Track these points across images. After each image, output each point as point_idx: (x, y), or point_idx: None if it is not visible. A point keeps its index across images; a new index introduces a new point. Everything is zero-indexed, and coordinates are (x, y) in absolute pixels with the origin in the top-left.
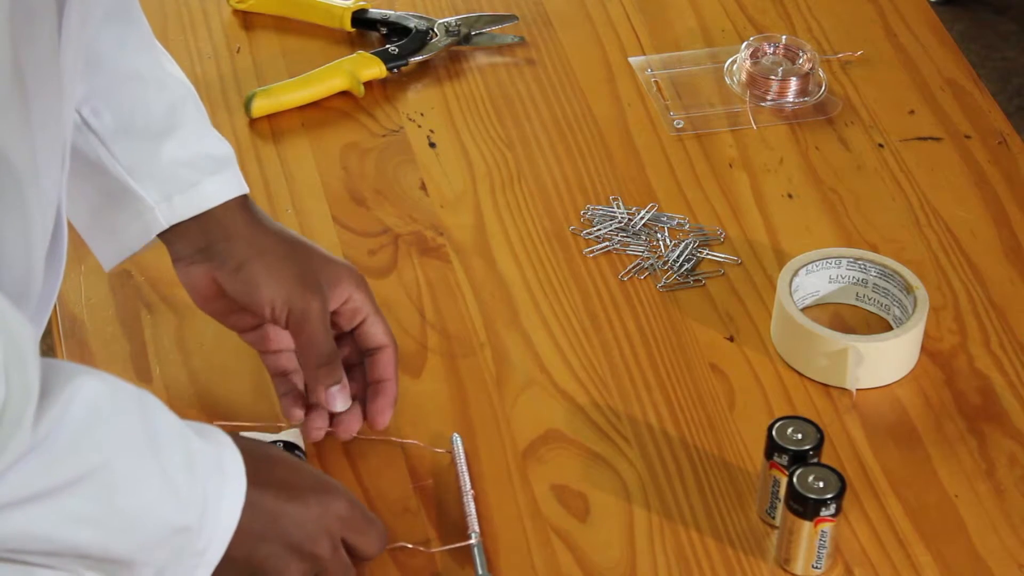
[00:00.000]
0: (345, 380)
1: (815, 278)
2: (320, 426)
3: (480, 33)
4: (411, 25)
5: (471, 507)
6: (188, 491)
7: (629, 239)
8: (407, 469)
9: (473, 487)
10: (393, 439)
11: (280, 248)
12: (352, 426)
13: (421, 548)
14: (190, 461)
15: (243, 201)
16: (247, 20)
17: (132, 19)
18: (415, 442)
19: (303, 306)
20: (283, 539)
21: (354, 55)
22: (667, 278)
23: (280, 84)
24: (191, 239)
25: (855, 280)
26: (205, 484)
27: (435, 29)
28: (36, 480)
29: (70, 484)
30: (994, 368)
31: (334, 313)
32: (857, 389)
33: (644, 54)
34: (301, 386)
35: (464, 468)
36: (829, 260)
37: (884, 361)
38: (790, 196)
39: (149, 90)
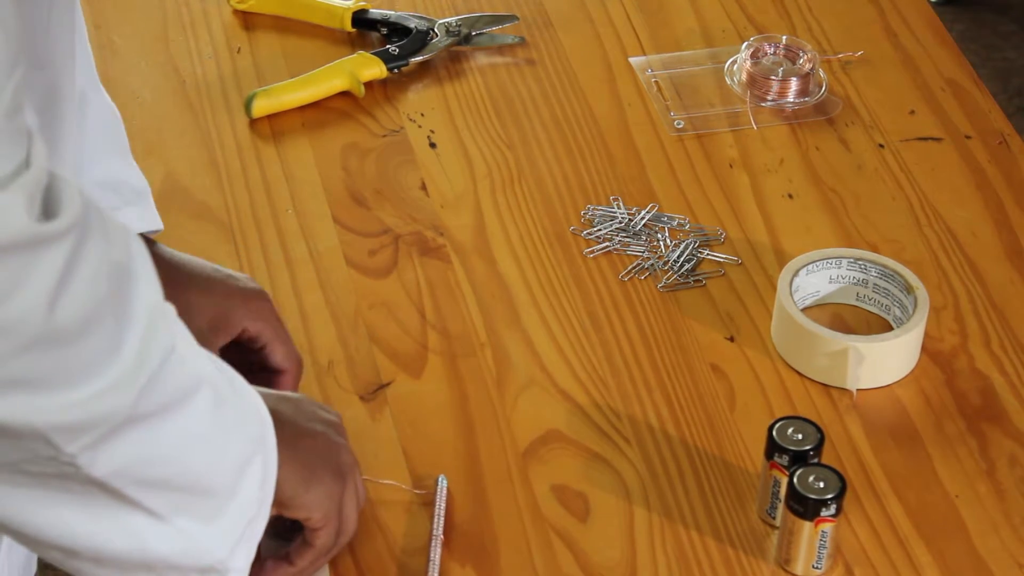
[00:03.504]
0: None
1: (815, 278)
2: None
3: (480, 33)
4: (411, 25)
5: (436, 553)
6: (247, 402)
7: (629, 239)
8: (407, 469)
9: (445, 534)
10: (372, 480)
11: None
12: None
13: None
14: (233, 380)
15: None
16: (247, 20)
17: (79, 37)
18: (394, 483)
19: None
20: (314, 417)
21: (354, 55)
22: (667, 278)
23: (280, 84)
24: None
25: (855, 280)
26: (253, 399)
27: (435, 29)
28: (169, 389)
29: (189, 396)
30: (994, 368)
31: (235, 341)
32: (857, 389)
33: (644, 54)
34: None
35: (441, 512)
36: (829, 260)
37: (884, 361)
38: (790, 196)
39: (88, 108)
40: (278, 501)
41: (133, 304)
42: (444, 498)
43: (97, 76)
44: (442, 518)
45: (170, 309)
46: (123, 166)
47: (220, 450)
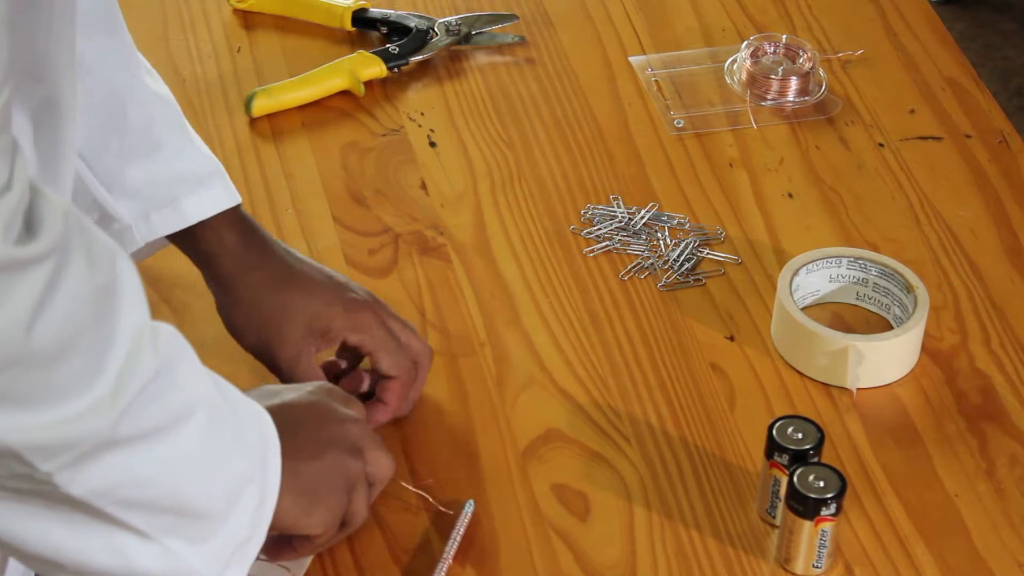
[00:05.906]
0: None
1: (815, 277)
2: None
3: (480, 32)
4: (411, 24)
5: (441, 574)
6: (246, 422)
7: (629, 238)
8: (407, 469)
9: (455, 557)
10: (404, 486)
11: (259, 295)
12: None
13: None
14: (236, 403)
15: (235, 220)
16: (247, 19)
17: (116, 32)
18: (423, 494)
19: (269, 363)
20: (328, 442)
21: (354, 54)
22: (667, 277)
23: (280, 84)
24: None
25: (855, 279)
26: (258, 423)
27: (435, 28)
28: (154, 413)
29: (179, 421)
30: (994, 367)
31: (342, 346)
32: (857, 388)
33: (644, 54)
34: None
35: (458, 537)
36: (829, 259)
37: (884, 360)
38: (790, 195)
39: (128, 108)
40: (279, 526)
41: (116, 327)
42: (465, 524)
43: (140, 72)
44: (457, 543)
45: (165, 329)
46: (178, 156)
47: (211, 475)
